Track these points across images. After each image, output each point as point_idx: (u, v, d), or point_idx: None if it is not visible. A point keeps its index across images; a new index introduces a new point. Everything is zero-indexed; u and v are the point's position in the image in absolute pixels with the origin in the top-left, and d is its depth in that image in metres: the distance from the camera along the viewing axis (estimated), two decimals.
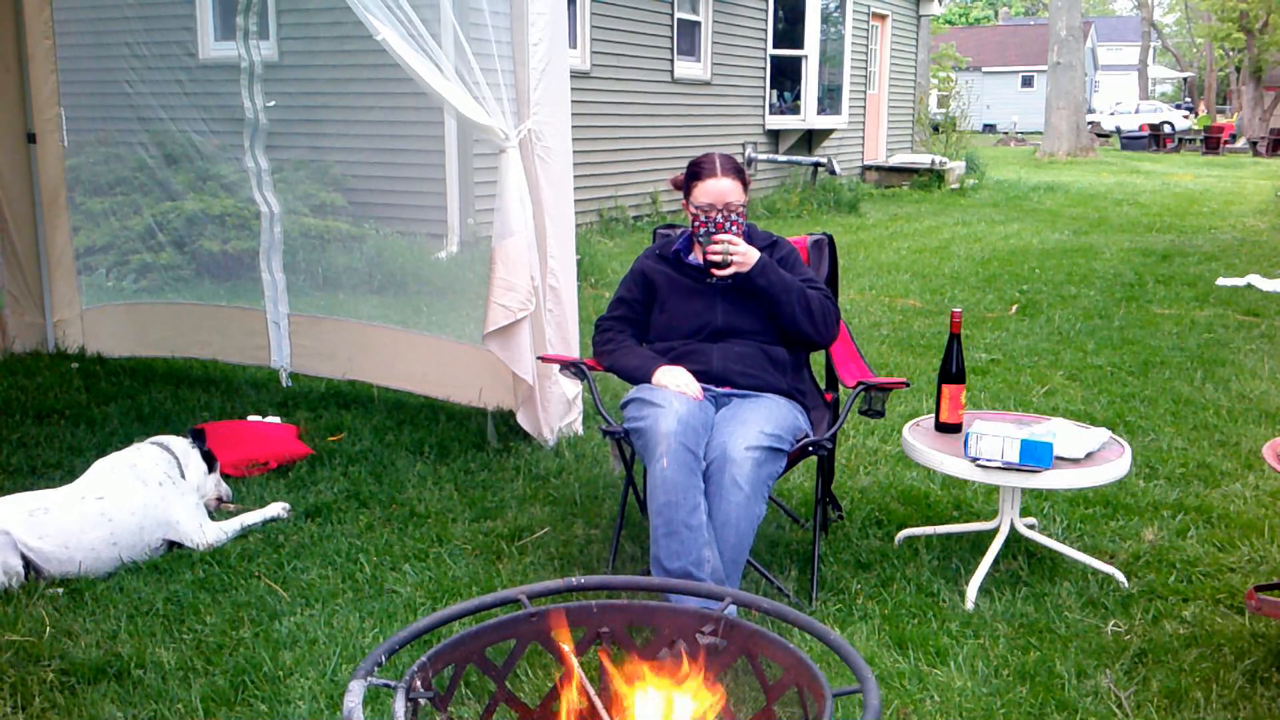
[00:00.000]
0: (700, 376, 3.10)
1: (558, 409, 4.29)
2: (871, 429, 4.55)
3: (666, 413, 2.87)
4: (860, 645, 2.79)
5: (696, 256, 3.29)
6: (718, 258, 3.13)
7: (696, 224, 3.20)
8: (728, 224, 3.16)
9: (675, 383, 3.04)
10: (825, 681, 1.71)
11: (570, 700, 1.84)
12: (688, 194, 3.23)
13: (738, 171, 3.22)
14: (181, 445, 3.58)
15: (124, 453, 3.49)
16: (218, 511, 3.64)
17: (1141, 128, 33.57)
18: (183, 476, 3.50)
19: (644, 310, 3.32)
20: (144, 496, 3.32)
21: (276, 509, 3.63)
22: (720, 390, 3.12)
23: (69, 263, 5.63)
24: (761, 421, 2.90)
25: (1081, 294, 7.87)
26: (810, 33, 15.00)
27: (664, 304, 3.27)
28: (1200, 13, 45.80)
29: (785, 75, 15.09)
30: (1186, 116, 40.78)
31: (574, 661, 1.86)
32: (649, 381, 3.07)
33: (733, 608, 2.06)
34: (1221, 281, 8.31)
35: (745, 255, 3.12)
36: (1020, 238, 11.28)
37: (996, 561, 3.20)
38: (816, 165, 14.86)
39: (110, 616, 2.92)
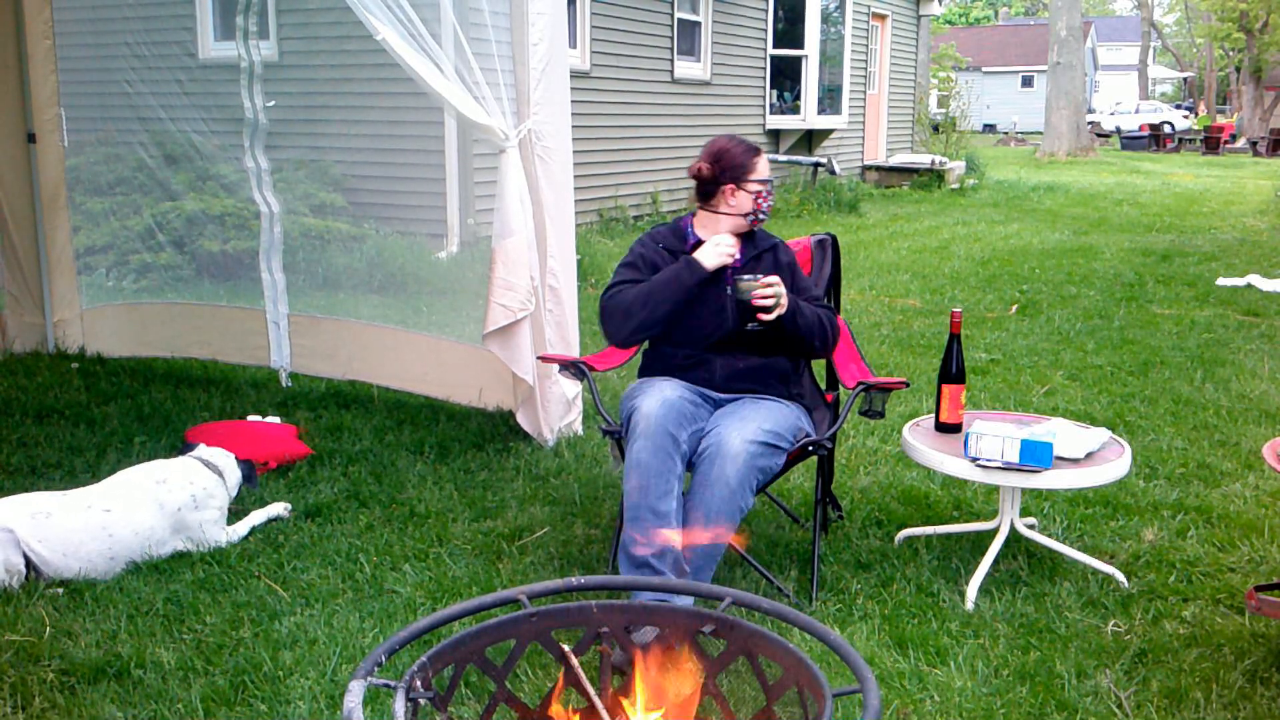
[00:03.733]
0: (702, 385, 3.11)
1: (558, 409, 4.29)
2: (871, 429, 4.54)
3: (652, 397, 2.86)
4: (860, 645, 2.78)
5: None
6: (769, 302, 2.97)
7: (759, 201, 3.20)
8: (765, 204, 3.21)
9: (717, 248, 3.05)
10: (825, 681, 1.71)
11: (570, 700, 1.85)
12: (741, 177, 3.17)
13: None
14: (233, 477, 3.50)
15: (159, 466, 3.40)
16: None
17: (1141, 128, 33.57)
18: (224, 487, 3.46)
19: None
20: (154, 520, 3.26)
21: (277, 509, 3.63)
22: (721, 395, 3.12)
23: (69, 263, 5.63)
24: (762, 419, 2.91)
25: (1081, 294, 7.87)
26: (810, 33, 14.99)
27: None
28: (1200, 13, 45.78)
29: (785, 75, 15.09)
30: (1186, 116, 40.77)
31: (574, 661, 1.86)
32: (683, 279, 3.05)
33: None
34: (1221, 281, 8.31)
35: (785, 298, 3.02)
36: (1020, 238, 11.28)
37: (996, 561, 3.20)
38: (816, 165, 14.86)
39: (110, 616, 2.92)
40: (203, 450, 3.53)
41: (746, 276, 3.01)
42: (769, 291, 2.98)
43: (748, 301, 2.98)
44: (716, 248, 3.06)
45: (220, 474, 3.46)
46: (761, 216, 3.22)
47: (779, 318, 3.02)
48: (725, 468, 2.77)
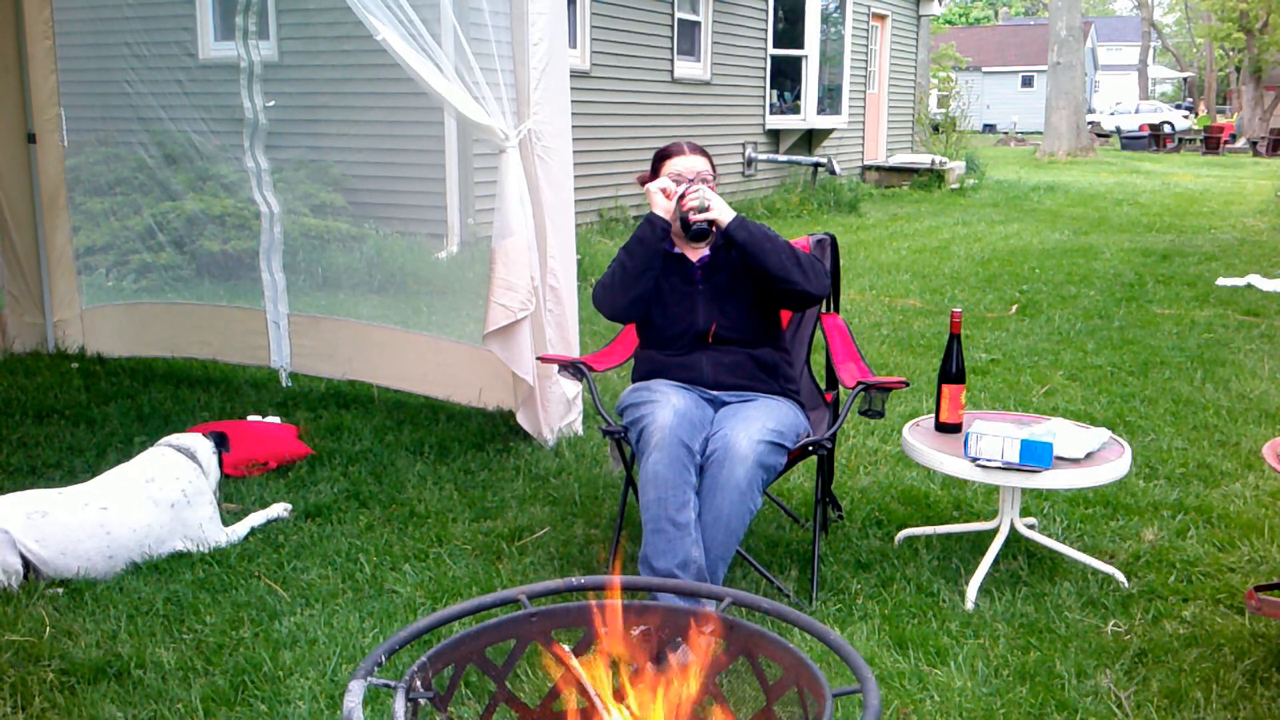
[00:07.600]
0: (694, 385, 3.11)
1: (558, 409, 4.29)
2: (871, 429, 4.54)
3: (664, 406, 2.87)
4: (860, 645, 2.79)
5: (675, 244, 3.26)
6: (696, 202, 3.10)
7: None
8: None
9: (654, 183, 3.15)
10: (825, 681, 1.71)
11: (570, 700, 1.85)
12: (655, 175, 3.26)
13: (705, 155, 3.29)
14: (207, 455, 3.48)
15: (145, 461, 3.38)
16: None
17: (1141, 128, 33.57)
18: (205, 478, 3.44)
19: None
20: (151, 518, 3.25)
21: (278, 509, 3.62)
22: (714, 393, 3.13)
23: (69, 263, 5.63)
24: (765, 418, 2.92)
25: (1081, 294, 7.87)
26: (810, 33, 14.99)
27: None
28: (1200, 13, 45.80)
29: (785, 75, 15.09)
30: (1186, 116, 40.77)
31: (574, 661, 1.86)
32: (645, 233, 3.13)
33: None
34: (1221, 281, 8.31)
35: (722, 208, 3.12)
36: (1020, 238, 11.28)
37: (996, 561, 3.20)
38: (816, 165, 14.86)
39: (110, 616, 2.92)
40: (172, 438, 3.51)
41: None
42: (695, 191, 3.11)
43: (681, 207, 3.14)
44: (654, 184, 3.16)
45: (194, 458, 3.43)
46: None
47: (726, 230, 3.09)
48: (735, 470, 2.79)
